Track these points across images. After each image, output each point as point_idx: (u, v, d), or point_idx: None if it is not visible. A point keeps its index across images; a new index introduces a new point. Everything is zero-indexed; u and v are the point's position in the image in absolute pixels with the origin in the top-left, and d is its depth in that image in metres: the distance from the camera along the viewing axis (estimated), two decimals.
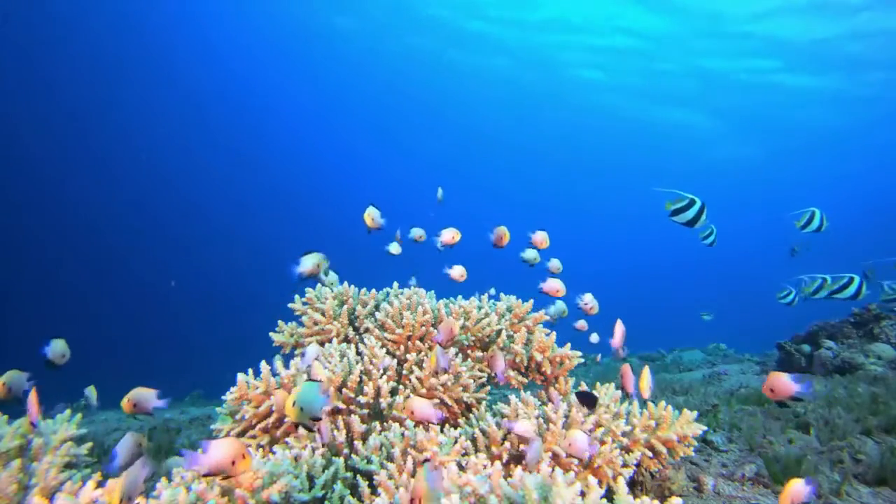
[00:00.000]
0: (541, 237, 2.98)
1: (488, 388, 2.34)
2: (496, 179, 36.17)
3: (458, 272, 2.88)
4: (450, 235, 2.90)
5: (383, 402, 1.99)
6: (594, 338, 3.49)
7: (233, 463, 1.25)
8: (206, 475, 1.26)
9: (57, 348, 2.11)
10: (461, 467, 1.57)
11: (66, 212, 27.88)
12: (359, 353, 2.27)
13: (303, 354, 2.07)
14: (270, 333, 2.57)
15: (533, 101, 22.98)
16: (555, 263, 3.17)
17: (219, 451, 1.25)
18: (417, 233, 3.11)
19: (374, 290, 2.68)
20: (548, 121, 24.77)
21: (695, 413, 2.07)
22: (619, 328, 2.15)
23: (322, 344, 2.52)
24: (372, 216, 2.78)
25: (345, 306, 2.56)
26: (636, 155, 27.32)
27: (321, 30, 19.65)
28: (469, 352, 2.43)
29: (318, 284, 2.66)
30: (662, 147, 25.20)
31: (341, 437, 1.83)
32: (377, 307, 2.60)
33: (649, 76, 18.28)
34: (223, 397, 2.07)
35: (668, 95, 19.47)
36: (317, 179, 37.60)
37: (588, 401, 1.82)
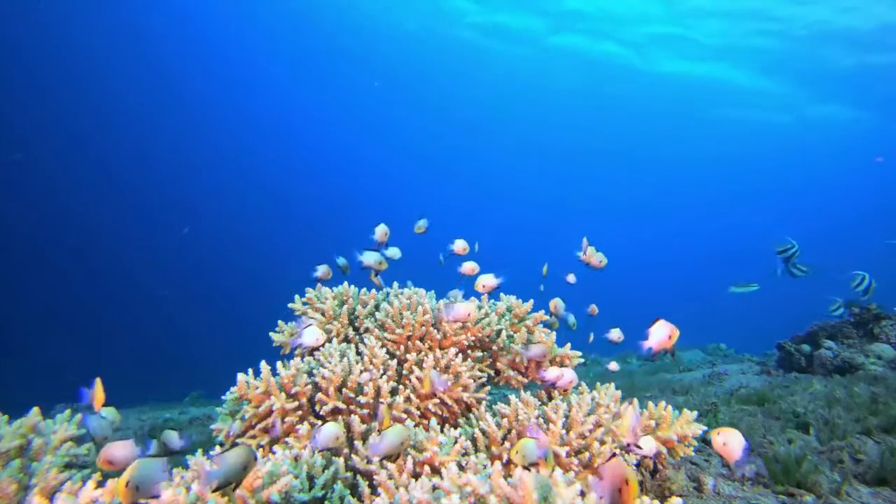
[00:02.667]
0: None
1: (488, 388, 2.34)
2: (499, 176, 36.09)
3: (469, 267, 2.82)
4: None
5: (383, 402, 1.99)
6: (616, 334, 3.26)
7: (244, 468, 1.26)
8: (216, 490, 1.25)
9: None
10: (461, 467, 1.57)
11: (66, 212, 27.87)
12: (359, 353, 2.27)
13: (299, 335, 2.06)
14: (270, 333, 2.57)
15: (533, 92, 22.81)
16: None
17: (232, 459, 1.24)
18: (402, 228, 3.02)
19: (373, 290, 2.68)
20: (545, 111, 24.66)
21: (695, 413, 2.07)
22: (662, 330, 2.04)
23: (322, 344, 2.52)
24: (384, 231, 2.81)
25: (345, 306, 2.56)
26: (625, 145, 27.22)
27: (323, 27, 19.58)
28: (469, 352, 2.43)
29: (318, 284, 2.66)
30: (657, 139, 25.13)
31: (341, 437, 1.83)
32: (377, 307, 2.60)
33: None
34: (223, 397, 2.07)
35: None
36: (317, 179, 37.60)
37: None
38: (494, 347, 2.45)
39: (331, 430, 1.64)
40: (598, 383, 2.21)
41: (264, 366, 2.05)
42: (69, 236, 28.14)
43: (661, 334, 1.92)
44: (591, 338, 3.35)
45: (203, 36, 21.67)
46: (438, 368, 2.17)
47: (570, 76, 20.17)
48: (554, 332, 2.49)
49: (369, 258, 2.72)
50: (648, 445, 1.78)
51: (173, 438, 1.93)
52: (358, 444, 1.78)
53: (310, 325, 2.10)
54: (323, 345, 2.22)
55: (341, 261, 2.86)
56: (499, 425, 1.86)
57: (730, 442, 1.64)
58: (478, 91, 23.34)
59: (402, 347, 2.36)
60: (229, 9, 19.33)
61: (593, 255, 2.87)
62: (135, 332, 24.79)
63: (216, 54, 23.12)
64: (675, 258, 42.47)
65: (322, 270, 2.78)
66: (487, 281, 2.53)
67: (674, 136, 24.47)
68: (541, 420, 1.84)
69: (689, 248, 41.41)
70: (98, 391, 1.74)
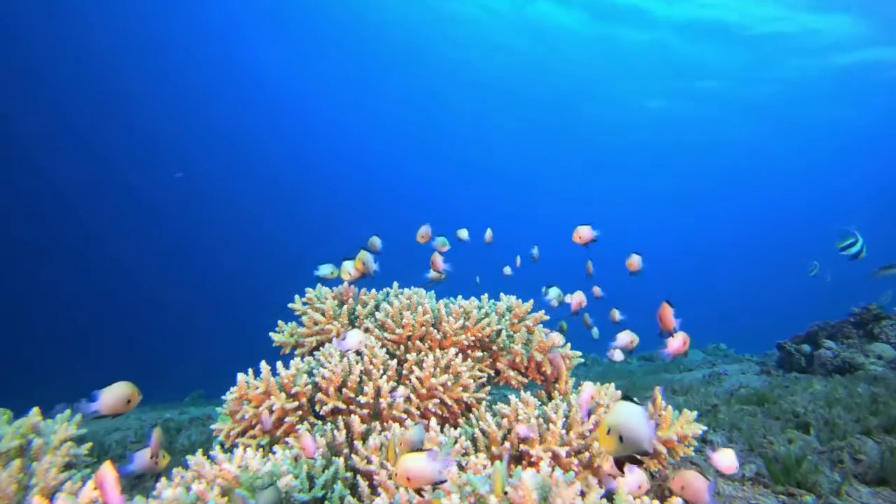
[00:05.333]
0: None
1: (488, 388, 2.34)
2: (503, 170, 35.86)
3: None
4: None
5: (383, 402, 1.99)
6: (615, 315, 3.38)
7: None
8: None
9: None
10: (461, 467, 1.57)
11: (67, 212, 27.88)
12: (359, 353, 2.27)
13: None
14: (270, 333, 2.57)
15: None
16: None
17: None
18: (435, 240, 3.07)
19: (374, 290, 2.68)
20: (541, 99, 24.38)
21: (695, 413, 2.07)
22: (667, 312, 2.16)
23: (322, 344, 2.52)
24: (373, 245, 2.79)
25: (345, 306, 2.56)
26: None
27: (333, 20, 19.39)
28: (469, 352, 2.43)
29: (318, 284, 2.66)
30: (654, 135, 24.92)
31: (341, 437, 1.83)
32: (377, 307, 2.60)
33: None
34: (223, 397, 2.07)
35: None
36: (317, 179, 37.61)
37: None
38: (494, 347, 2.45)
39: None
40: (598, 383, 2.21)
41: (264, 366, 2.05)
42: (70, 237, 28.14)
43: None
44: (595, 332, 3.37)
45: (210, 30, 21.51)
46: (438, 368, 2.17)
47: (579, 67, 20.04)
48: (553, 332, 2.49)
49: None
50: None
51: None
52: (358, 444, 1.78)
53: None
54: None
55: (326, 269, 2.79)
56: (499, 425, 1.85)
57: (689, 485, 1.43)
58: (487, 81, 23.07)
59: (402, 347, 2.36)
60: (238, 1, 19.19)
61: (634, 261, 2.96)
62: (135, 332, 24.80)
63: (221, 48, 22.95)
64: (674, 257, 42.50)
65: (325, 270, 2.74)
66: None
67: (673, 132, 24.29)
68: (541, 420, 1.84)
69: (688, 247, 41.42)
70: (156, 440, 1.75)
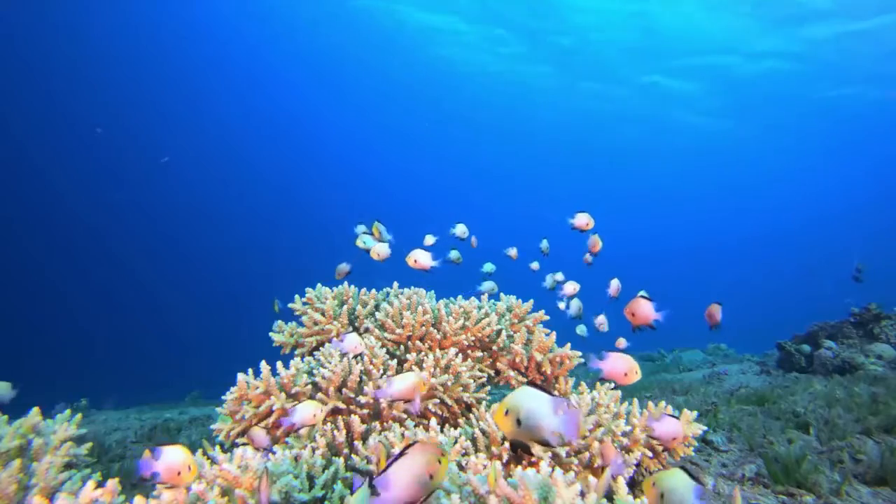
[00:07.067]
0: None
1: (488, 388, 2.34)
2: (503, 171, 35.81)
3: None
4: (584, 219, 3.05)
5: (383, 403, 1.99)
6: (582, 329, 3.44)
7: None
8: None
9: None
10: (461, 467, 1.57)
11: (68, 213, 27.88)
12: (359, 356, 2.27)
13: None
14: (270, 333, 2.57)
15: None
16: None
17: None
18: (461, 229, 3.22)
19: (374, 290, 2.68)
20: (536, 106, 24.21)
21: (695, 413, 2.07)
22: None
23: (322, 344, 2.52)
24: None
25: (345, 306, 2.56)
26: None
27: (330, 29, 19.39)
28: (469, 352, 2.43)
29: (318, 284, 2.66)
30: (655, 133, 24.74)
31: (341, 437, 1.83)
32: (377, 307, 2.60)
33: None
34: (223, 397, 2.07)
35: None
36: (317, 179, 37.60)
37: None
38: (494, 347, 2.45)
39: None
40: (599, 383, 2.20)
41: (264, 366, 2.05)
42: (72, 239, 28.15)
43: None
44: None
45: (209, 36, 21.51)
46: (438, 368, 2.17)
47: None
48: (554, 332, 2.49)
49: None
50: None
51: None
52: (358, 444, 1.78)
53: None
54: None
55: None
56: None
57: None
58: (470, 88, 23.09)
59: (402, 347, 2.37)
60: (236, 8, 19.19)
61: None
62: (135, 332, 24.80)
63: (220, 54, 22.95)
64: (675, 257, 42.47)
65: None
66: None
67: (671, 130, 24.16)
68: None
69: (689, 245, 41.39)
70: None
